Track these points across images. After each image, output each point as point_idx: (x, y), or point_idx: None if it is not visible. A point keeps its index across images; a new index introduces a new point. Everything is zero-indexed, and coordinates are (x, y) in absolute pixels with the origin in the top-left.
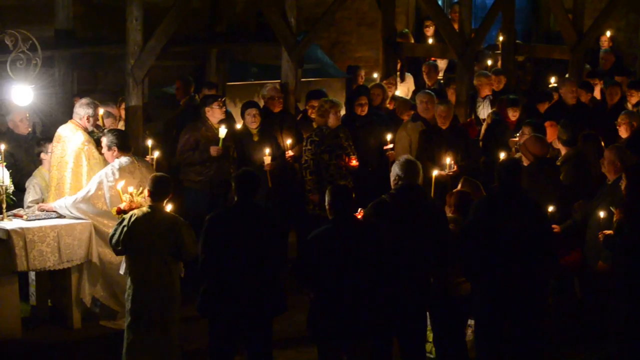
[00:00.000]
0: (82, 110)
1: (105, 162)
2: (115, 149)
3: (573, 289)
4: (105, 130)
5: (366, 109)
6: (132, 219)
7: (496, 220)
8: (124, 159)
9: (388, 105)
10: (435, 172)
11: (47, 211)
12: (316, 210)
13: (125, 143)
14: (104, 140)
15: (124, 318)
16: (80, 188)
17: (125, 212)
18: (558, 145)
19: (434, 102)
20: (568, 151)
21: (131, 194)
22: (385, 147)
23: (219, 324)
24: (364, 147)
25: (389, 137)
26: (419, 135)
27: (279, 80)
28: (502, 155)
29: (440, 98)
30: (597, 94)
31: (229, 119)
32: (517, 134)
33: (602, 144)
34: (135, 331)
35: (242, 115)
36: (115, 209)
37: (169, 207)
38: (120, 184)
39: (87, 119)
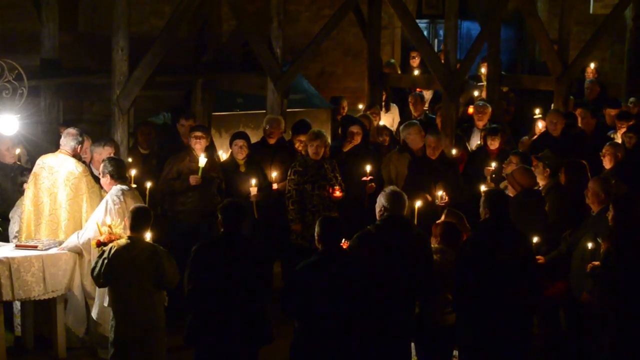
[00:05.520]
0: (73, 141)
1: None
2: (109, 177)
3: (558, 320)
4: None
5: (359, 138)
6: (112, 250)
7: (487, 252)
8: (123, 186)
9: (376, 138)
10: (418, 204)
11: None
12: (298, 240)
13: (122, 172)
14: (102, 168)
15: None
16: (78, 217)
17: (105, 244)
18: (539, 177)
19: (421, 133)
20: (549, 182)
21: (109, 226)
22: (363, 179)
23: (205, 354)
24: (348, 177)
25: (368, 168)
26: (408, 164)
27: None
28: (483, 188)
29: (428, 129)
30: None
31: (211, 149)
32: (493, 164)
33: (589, 175)
34: None
35: (230, 146)
36: (94, 241)
37: (148, 236)
38: (99, 217)
39: (79, 148)
